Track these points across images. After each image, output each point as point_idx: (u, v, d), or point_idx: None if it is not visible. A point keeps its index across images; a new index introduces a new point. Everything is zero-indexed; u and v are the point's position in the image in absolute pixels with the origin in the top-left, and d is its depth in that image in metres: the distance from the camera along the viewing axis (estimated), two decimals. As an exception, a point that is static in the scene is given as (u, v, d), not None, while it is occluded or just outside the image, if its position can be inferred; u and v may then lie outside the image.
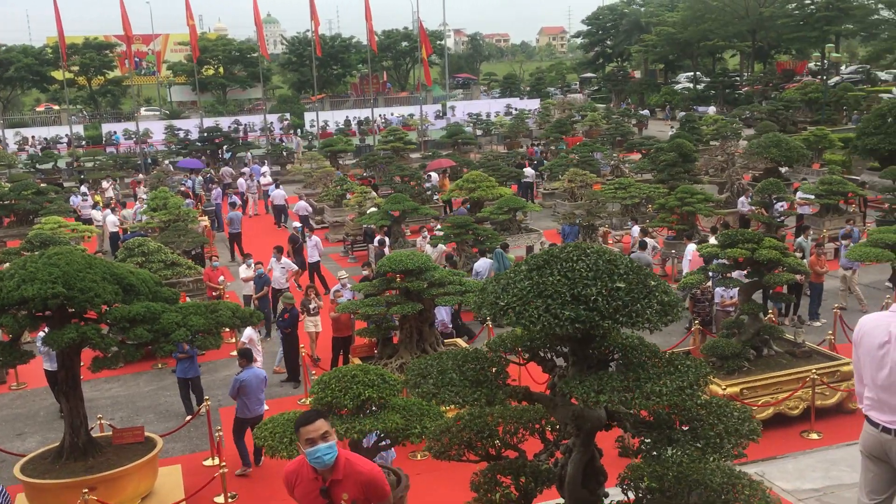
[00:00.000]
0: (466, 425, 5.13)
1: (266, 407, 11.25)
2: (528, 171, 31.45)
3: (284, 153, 43.24)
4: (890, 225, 17.33)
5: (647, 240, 18.37)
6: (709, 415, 4.56)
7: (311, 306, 14.88)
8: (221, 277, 18.01)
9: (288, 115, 58.40)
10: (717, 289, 14.33)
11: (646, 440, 4.60)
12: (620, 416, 4.75)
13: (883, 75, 67.28)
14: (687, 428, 4.57)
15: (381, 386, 7.62)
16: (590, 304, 4.30)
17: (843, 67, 71.98)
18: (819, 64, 54.03)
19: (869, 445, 5.46)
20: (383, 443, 7.85)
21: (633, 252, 17.69)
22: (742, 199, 23.15)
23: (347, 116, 57.57)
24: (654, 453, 4.43)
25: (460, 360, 4.82)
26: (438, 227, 21.42)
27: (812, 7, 58.91)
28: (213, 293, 17.16)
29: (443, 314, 15.06)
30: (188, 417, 12.08)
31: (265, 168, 35.82)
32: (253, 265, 17.24)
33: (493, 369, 4.78)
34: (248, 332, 12.91)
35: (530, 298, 4.35)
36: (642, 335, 4.84)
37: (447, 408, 5.83)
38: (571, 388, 4.29)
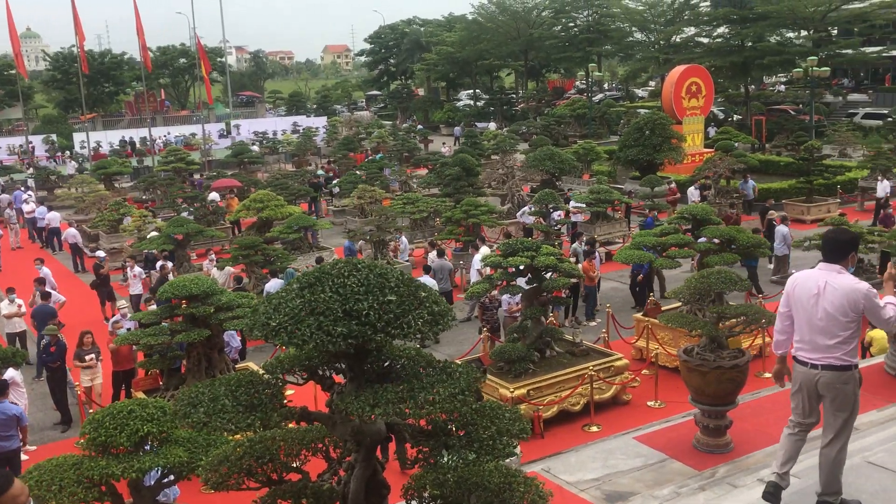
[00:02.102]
0: (246, 452, 4.96)
1: (19, 444, 10.56)
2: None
3: (53, 177, 39.95)
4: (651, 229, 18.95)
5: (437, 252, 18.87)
6: (482, 418, 4.73)
7: (87, 357, 13.32)
8: (-25, 316, 16.30)
9: (54, 137, 54.10)
10: (504, 296, 14.92)
11: (423, 449, 4.68)
12: (399, 427, 4.81)
13: (640, 92, 73.92)
14: (463, 433, 4.72)
15: (161, 420, 7.17)
16: (362, 318, 4.32)
17: (605, 85, 78.25)
18: (584, 82, 58.34)
19: (800, 381, 6.50)
20: (166, 479, 7.42)
21: (433, 261, 18.04)
22: (525, 208, 24.39)
23: (123, 137, 54.37)
24: (432, 461, 4.53)
25: (233, 385, 4.66)
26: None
27: (575, 30, 63.60)
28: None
29: (237, 339, 14.59)
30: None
31: (28, 194, 32.87)
32: (16, 300, 15.77)
33: (269, 392, 4.66)
34: (10, 372, 11.74)
35: (302, 317, 4.30)
36: (428, 345, 4.97)
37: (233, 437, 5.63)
38: (347, 403, 4.29)
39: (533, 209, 23.14)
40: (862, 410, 7.05)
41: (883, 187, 24.84)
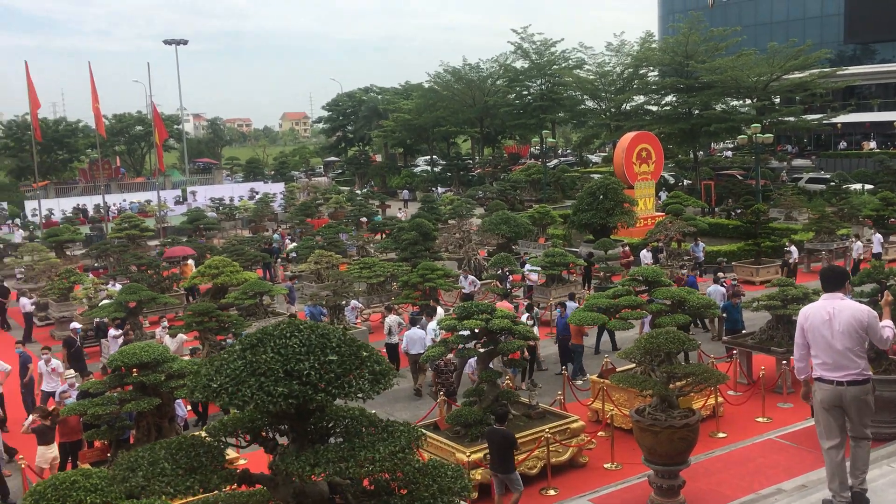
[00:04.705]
0: (188, 518, 4.88)
1: None
2: None
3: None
4: (604, 291, 19.17)
5: (393, 316, 18.80)
6: (424, 476, 4.72)
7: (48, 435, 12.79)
8: None
9: (4, 204, 53.35)
10: (471, 359, 14.77)
11: (364, 510, 4.66)
12: (342, 488, 4.77)
13: (593, 158, 75.55)
14: (405, 492, 4.70)
15: (105, 490, 6.99)
16: (303, 378, 4.34)
17: (560, 151, 79.93)
18: (539, 148, 59.58)
19: (826, 399, 7.13)
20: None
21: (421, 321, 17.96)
22: (462, 279, 24.06)
23: (76, 204, 53.88)
24: (374, 521, 4.51)
25: (174, 449, 4.61)
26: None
27: (529, 98, 65.14)
28: None
29: (183, 408, 14.30)
30: None
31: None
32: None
33: (210, 454, 4.61)
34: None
35: (244, 378, 4.30)
36: (365, 406, 4.96)
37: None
38: (288, 464, 4.26)
39: (486, 272, 23.32)
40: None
41: (793, 252, 25.84)
